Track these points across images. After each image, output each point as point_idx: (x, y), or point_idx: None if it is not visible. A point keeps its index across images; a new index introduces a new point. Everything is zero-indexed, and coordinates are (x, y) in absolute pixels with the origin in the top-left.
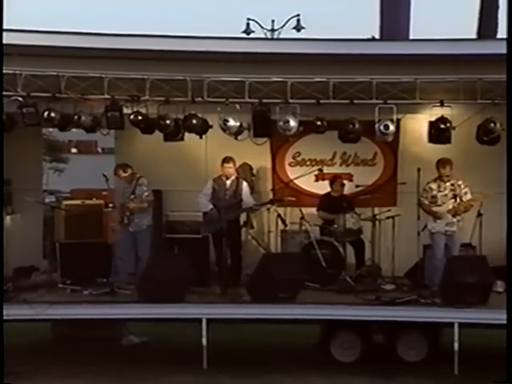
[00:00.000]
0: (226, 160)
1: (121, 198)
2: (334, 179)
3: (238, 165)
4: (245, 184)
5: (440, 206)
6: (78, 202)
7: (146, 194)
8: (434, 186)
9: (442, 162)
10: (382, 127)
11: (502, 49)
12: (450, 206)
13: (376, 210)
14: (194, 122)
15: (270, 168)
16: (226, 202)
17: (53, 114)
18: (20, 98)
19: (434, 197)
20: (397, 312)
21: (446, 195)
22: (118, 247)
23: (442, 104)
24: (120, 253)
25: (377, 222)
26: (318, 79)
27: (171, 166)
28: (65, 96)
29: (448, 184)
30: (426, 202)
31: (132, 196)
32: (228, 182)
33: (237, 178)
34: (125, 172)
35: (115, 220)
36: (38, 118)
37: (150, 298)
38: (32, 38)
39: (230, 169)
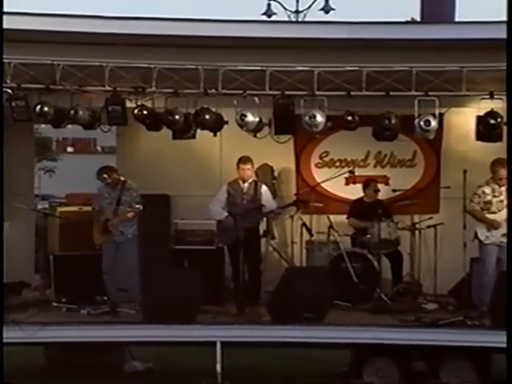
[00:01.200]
0: (243, 160)
1: (104, 205)
2: (368, 182)
3: (256, 166)
4: (264, 188)
5: (495, 213)
6: (75, 208)
7: (136, 199)
8: (487, 190)
9: (498, 163)
10: (422, 123)
11: None
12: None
13: (416, 218)
14: (207, 117)
15: (294, 170)
16: (243, 208)
17: (46, 109)
18: (9, 90)
19: (487, 202)
20: (440, 335)
21: (501, 201)
22: (104, 261)
23: (491, 96)
24: (106, 268)
25: (416, 232)
26: (349, 68)
27: (180, 167)
28: (60, 88)
29: (503, 188)
30: (478, 209)
31: (118, 202)
32: (245, 186)
33: (255, 181)
34: (109, 176)
35: (98, 231)
36: (29, 113)
37: (156, 319)
38: (22, 22)
39: (247, 170)
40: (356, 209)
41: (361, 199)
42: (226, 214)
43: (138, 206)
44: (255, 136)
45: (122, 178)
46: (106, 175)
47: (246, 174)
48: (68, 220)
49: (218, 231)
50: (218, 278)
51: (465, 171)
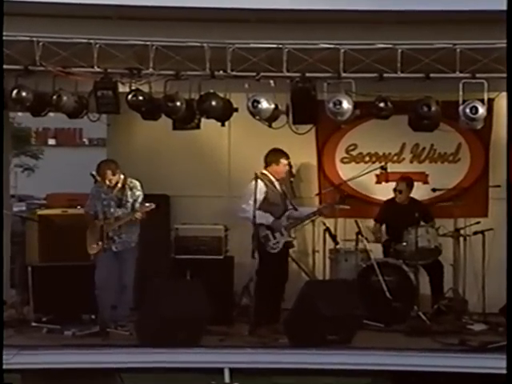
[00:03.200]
0: (283, 154)
1: (99, 208)
2: (402, 181)
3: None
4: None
5: None
6: (57, 211)
7: (140, 200)
8: None
9: None
10: (468, 110)
11: None
12: None
13: (460, 223)
14: (214, 103)
15: (316, 166)
16: (280, 210)
17: (24, 94)
18: None
19: None
20: (488, 361)
21: None
22: (97, 274)
23: None
24: (100, 281)
25: (461, 239)
26: (380, 45)
27: (182, 163)
28: (40, 69)
29: None
30: None
31: (119, 204)
32: (277, 183)
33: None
34: (113, 174)
35: (93, 238)
36: (3, 99)
37: (153, 341)
38: None
39: (287, 166)
40: (387, 212)
41: (393, 200)
42: (272, 217)
43: (148, 204)
44: (270, 126)
45: (122, 176)
46: (109, 171)
47: (284, 171)
48: (49, 225)
49: (261, 238)
50: (227, 293)
51: None
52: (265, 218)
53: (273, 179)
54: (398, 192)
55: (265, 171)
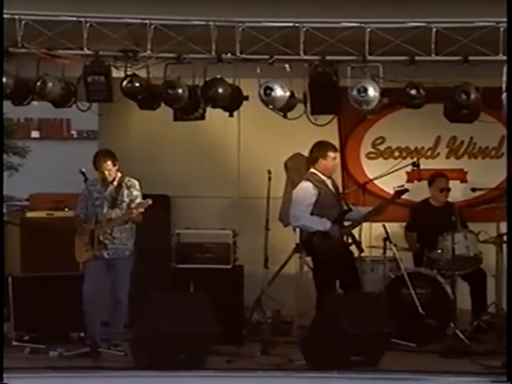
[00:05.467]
0: (332, 147)
1: (91, 210)
2: (434, 178)
3: (287, 156)
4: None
5: None
6: (42, 213)
7: (138, 200)
8: None
9: None
10: None
11: None
12: None
13: (503, 227)
14: (220, 90)
15: (338, 162)
16: (335, 212)
17: (4, 79)
18: None
19: None
20: None
21: None
22: (86, 285)
23: None
24: (88, 294)
25: (504, 246)
26: (412, 24)
27: (184, 158)
28: (23, 51)
29: None
30: None
31: (113, 204)
32: (328, 182)
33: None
34: (114, 164)
35: (83, 244)
36: None
37: (151, 363)
38: None
39: (335, 160)
40: (420, 215)
41: (426, 202)
42: (329, 222)
43: (143, 201)
44: (285, 116)
45: (119, 173)
46: (109, 161)
47: (334, 166)
48: (33, 230)
49: (319, 246)
50: (236, 307)
51: None
52: (322, 224)
53: (323, 178)
54: (447, 191)
55: (313, 170)
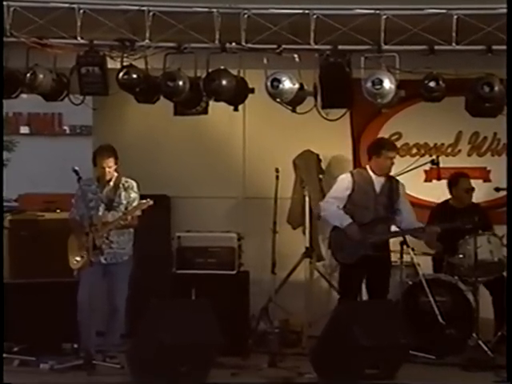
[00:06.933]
0: (390, 144)
1: (85, 212)
2: (455, 178)
3: (296, 153)
4: (400, 183)
5: None
6: (32, 215)
7: (135, 203)
8: None
9: None
10: None
11: None
12: None
13: None
14: (224, 83)
15: (351, 159)
16: (375, 213)
17: None
18: None
19: None
20: None
21: None
22: (81, 292)
23: None
24: (83, 302)
25: None
26: (431, 11)
27: (185, 156)
28: (11, 40)
29: None
30: None
31: (109, 206)
32: (378, 181)
33: (391, 176)
34: (115, 163)
35: (77, 248)
36: None
37: (150, 376)
38: None
39: (390, 160)
40: (440, 218)
41: (446, 203)
42: (349, 220)
43: (144, 201)
44: (294, 111)
45: (115, 173)
46: (112, 158)
47: (388, 166)
48: (22, 232)
49: (333, 243)
50: (241, 316)
51: None
52: (339, 220)
53: (373, 176)
54: (472, 190)
55: (367, 165)
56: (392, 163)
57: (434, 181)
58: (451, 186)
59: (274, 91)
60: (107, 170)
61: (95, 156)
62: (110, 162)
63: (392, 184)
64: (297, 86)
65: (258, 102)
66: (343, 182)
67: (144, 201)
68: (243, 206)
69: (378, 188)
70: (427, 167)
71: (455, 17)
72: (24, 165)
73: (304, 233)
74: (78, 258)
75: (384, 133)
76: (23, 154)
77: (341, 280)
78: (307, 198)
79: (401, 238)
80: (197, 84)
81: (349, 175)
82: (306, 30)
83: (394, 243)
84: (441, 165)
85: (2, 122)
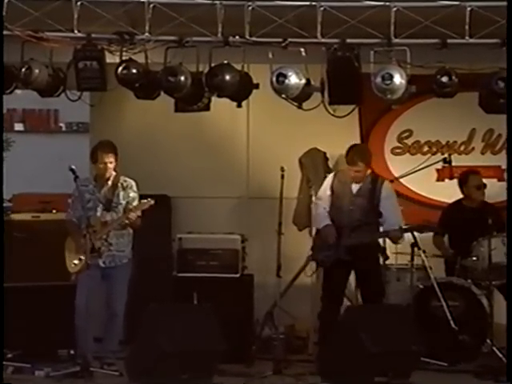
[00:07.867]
0: (353, 159)
1: (82, 213)
2: (466, 176)
3: (302, 151)
4: (386, 184)
5: None
6: (27, 216)
7: (135, 203)
8: None
9: None
10: None
11: None
12: None
13: None
14: (228, 78)
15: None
16: (350, 215)
17: None
18: None
19: None
20: None
21: None
22: (78, 297)
23: None
24: (81, 307)
25: None
26: (443, 2)
27: (187, 154)
28: (5, 33)
29: None
30: None
31: (107, 207)
32: (356, 185)
33: (375, 176)
34: (115, 160)
35: (73, 250)
36: None
37: (150, 383)
38: None
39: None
40: (453, 219)
41: (459, 203)
42: (327, 222)
43: (145, 201)
44: (300, 107)
45: (113, 172)
46: (112, 154)
47: (354, 177)
48: (16, 234)
49: (314, 244)
50: (245, 321)
51: None
52: (319, 221)
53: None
54: (484, 187)
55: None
56: (355, 176)
57: (447, 180)
58: (462, 184)
59: (280, 87)
60: (107, 166)
61: (95, 151)
62: (110, 157)
63: (375, 185)
64: (303, 81)
65: (263, 98)
66: (327, 182)
67: (145, 200)
68: (247, 207)
69: (355, 190)
70: (439, 166)
71: (468, 9)
72: (18, 163)
73: (310, 234)
74: (76, 261)
75: (394, 130)
76: (17, 152)
77: (323, 279)
78: (314, 198)
79: (412, 240)
80: (199, 79)
81: (332, 175)
82: (312, 23)
83: (403, 245)
84: (453, 163)
85: (1, 121)
